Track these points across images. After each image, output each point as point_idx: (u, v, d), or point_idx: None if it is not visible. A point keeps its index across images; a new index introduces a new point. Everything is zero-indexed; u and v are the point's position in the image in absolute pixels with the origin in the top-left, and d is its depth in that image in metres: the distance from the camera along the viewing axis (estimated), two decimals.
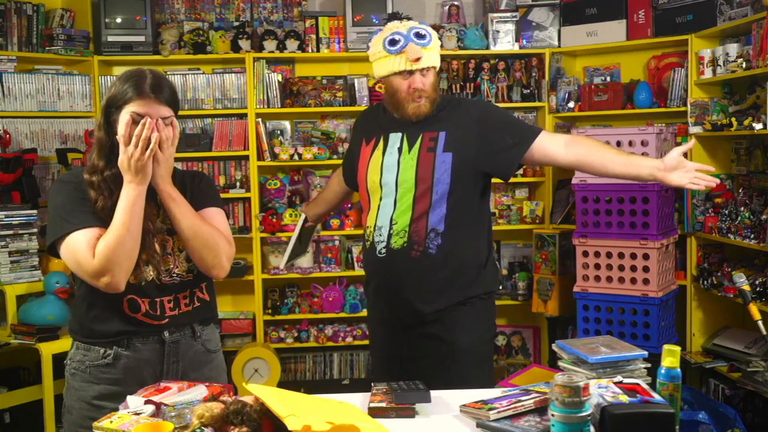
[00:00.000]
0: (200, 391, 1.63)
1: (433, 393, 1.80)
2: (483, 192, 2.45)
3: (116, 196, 1.80)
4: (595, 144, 2.38)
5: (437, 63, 2.39)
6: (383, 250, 2.37)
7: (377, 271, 2.43)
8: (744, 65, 3.48)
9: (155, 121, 1.79)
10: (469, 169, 2.35)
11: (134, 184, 1.77)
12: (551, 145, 2.38)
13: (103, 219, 1.80)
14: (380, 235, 2.38)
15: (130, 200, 1.77)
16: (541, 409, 1.64)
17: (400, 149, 2.38)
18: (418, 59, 2.30)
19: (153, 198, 1.86)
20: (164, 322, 1.88)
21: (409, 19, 2.41)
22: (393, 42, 2.33)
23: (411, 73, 2.33)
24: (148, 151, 1.76)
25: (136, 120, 1.78)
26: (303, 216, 2.87)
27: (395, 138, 2.40)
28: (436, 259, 2.33)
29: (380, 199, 2.40)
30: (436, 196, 2.33)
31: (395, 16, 2.43)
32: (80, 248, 1.76)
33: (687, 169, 2.22)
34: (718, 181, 2.26)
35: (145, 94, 1.80)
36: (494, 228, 4.38)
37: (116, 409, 1.56)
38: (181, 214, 1.85)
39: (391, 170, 2.37)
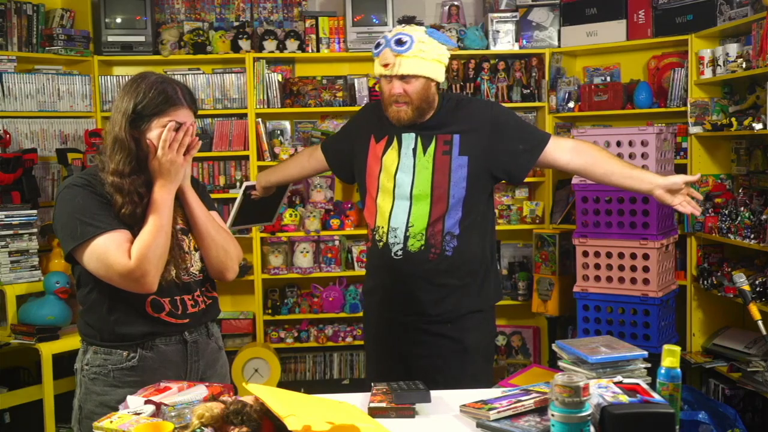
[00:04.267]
0: (200, 391, 1.63)
1: (433, 393, 1.80)
2: (490, 193, 2.49)
3: (146, 201, 1.83)
4: (600, 153, 2.40)
5: (423, 71, 2.28)
6: (399, 252, 2.37)
7: (391, 272, 2.41)
8: (744, 65, 3.48)
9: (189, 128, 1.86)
10: (482, 171, 2.37)
11: (167, 187, 1.83)
12: (558, 152, 2.39)
13: (126, 223, 1.81)
14: (395, 236, 2.37)
15: (163, 202, 1.82)
16: (541, 409, 1.64)
17: (414, 150, 2.37)
18: (386, 65, 2.28)
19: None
20: (186, 321, 1.91)
21: (420, 24, 2.35)
22: (377, 45, 2.33)
23: (391, 78, 2.30)
24: (187, 155, 1.84)
25: (176, 128, 1.83)
26: (243, 186, 2.79)
27: (409, 139, 2.38)
28: (453, 260, 2.36)
29: (393, 200, 2.39)
30: (453, 200, 2.34)
31: (404, 20, 2.37)
32: (111, 251, 1.76)
33: (682, 192, 2.30)
34: (699, 210, 2.35)
35: (180, 104, 1.85)
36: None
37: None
38: (205, 217, 1.93)
39: (407, 172, 2.37)
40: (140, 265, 1.76)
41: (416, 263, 2.36)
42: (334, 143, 2.70)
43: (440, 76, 2.34)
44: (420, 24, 2.35)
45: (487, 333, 2.49)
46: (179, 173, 1.85)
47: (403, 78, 2.28)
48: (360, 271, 4.30)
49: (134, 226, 1.81)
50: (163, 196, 1.82)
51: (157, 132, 1.82)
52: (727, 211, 3.63)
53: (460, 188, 2.33)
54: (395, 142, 2.40)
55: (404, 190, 2.37)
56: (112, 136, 1.85)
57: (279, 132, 4.47)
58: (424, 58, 2.27)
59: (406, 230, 2.36)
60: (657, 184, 2.29)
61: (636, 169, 2.38)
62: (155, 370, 1.85)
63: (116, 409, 1.59)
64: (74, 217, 1.80)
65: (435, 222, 2.34)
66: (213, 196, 3.87)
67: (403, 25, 2.33)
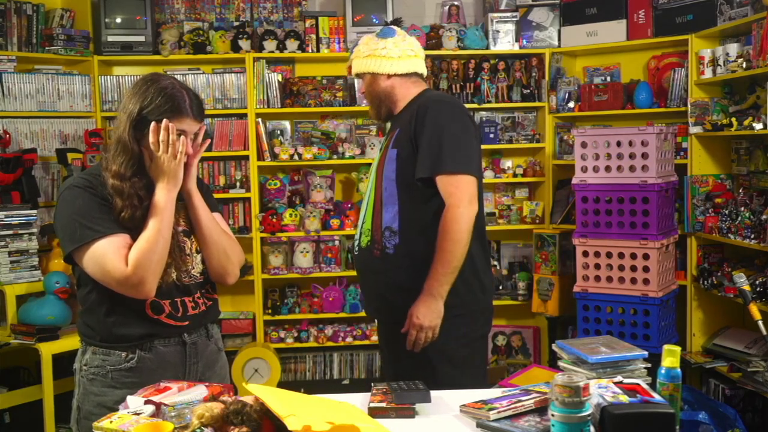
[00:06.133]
0: (200, 391, 1.63)
1: (433, 393, 1.79)
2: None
3: (146, 204, 1.82)
4: (440, 240, 2.23)
5: (357, 69, 2.49)
6: (357, 249, 2.46)
7: (357, 269, 2.53)
8: (744, 65, 3.48)
9: (188, 138, 1.85)
10: (410, 165, 2.31)
11: (167, 190, 1.82)
12: (444, 195, 2.26)
13: (125, 226, 1.80)
14: (357, 234, 2.47)
15: (163, 205, 1.81)
16: (541, 409, 1.64)
17: (381, 149, 2.46)
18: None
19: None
20: (186, 323, 1.90)
21: (397, 24, 2.50)
22: None
23: None
24: (179, 154, 1.81)
25: (166, 127, 1.81)
26: None
27: (384, 141, 2.48)
28: (395, 258, 2.32)
29: (365, 200, 2.47)
30: (385, 193, 2.35)
31: (392, 22, 2.53)
32: (108, 256, 1.76)
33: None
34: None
35: (186, 115, 1.84)
36: (494, 228, 4.40)
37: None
38: (208, 220, 1.92)
39: (372, 172, 2.47)
40: (137, 272, 1.75)
41: (365, 259, 2.41)
42: None
43: (376, 68, 2.43)
44: (397, 24, 2.51)
45: (452, 338, 2.30)
46: (177, 175, 1.83)
47: (357, 77, 2.56)
48: None
49: (134, 229, 1.80)
50: (162, 198, 1.81)
51: (152, 133, 1.81)
52: (727, 211, 3.63)
53: (390, 181, 2.33)
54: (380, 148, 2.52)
55: (367, 190, 2.48)
56: (116, 136, 1.85)
57: (279, 132, 4.46)
58: (358, 57, 2.48)
59: (361, 226, 2.43)
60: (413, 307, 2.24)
61: (430, 276, 2.23)
62: (153, 371, 1.85)
63: (114, 410, 1.59)
64: (74, 219, 1.80)
65: (375, 216, 2.37)
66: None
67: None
